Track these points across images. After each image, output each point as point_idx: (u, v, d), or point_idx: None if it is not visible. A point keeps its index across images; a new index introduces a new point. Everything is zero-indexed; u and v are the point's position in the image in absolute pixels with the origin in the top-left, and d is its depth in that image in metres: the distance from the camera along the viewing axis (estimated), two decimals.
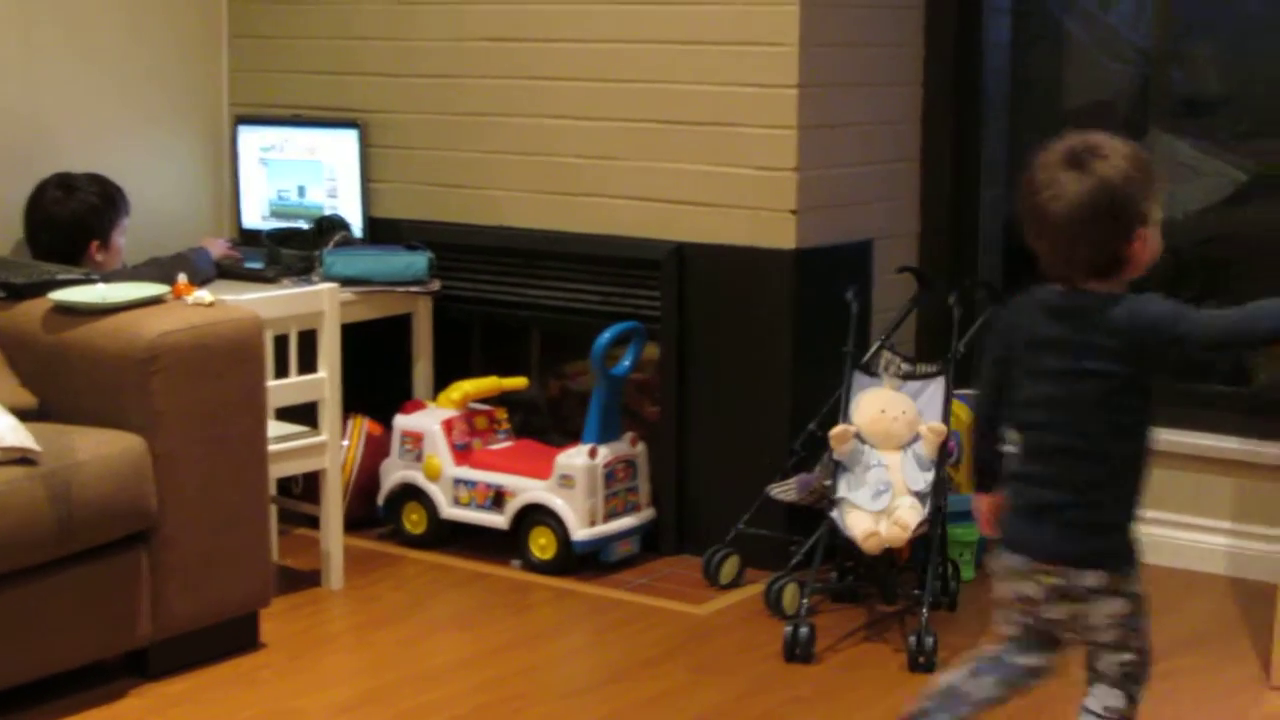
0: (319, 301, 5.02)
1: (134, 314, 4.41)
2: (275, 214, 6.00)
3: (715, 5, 5.22)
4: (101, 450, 4.20)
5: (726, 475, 5.26)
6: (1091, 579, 3.23)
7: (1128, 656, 3.30)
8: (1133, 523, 3.28)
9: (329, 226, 5.72)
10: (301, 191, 5.97)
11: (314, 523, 5.15)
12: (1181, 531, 5.31)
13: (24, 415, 4.25)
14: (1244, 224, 5.65)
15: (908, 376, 4.92)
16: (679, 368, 5.35)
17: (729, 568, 5.11)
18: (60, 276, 4.65)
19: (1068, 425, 3.25)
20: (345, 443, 5.43)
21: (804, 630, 4.58)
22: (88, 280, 4.64)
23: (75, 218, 5.26)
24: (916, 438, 4.76)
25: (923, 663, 4.50)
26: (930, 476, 4.73)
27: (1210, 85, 5.83)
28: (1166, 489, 5.26)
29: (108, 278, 4.76)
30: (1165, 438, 5.14)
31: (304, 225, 5.80)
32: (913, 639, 4.53)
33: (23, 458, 4.06)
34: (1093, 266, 3.24)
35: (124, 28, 5.83)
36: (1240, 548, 5.25)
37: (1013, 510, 3.34)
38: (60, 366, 4.45)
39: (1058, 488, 3.26)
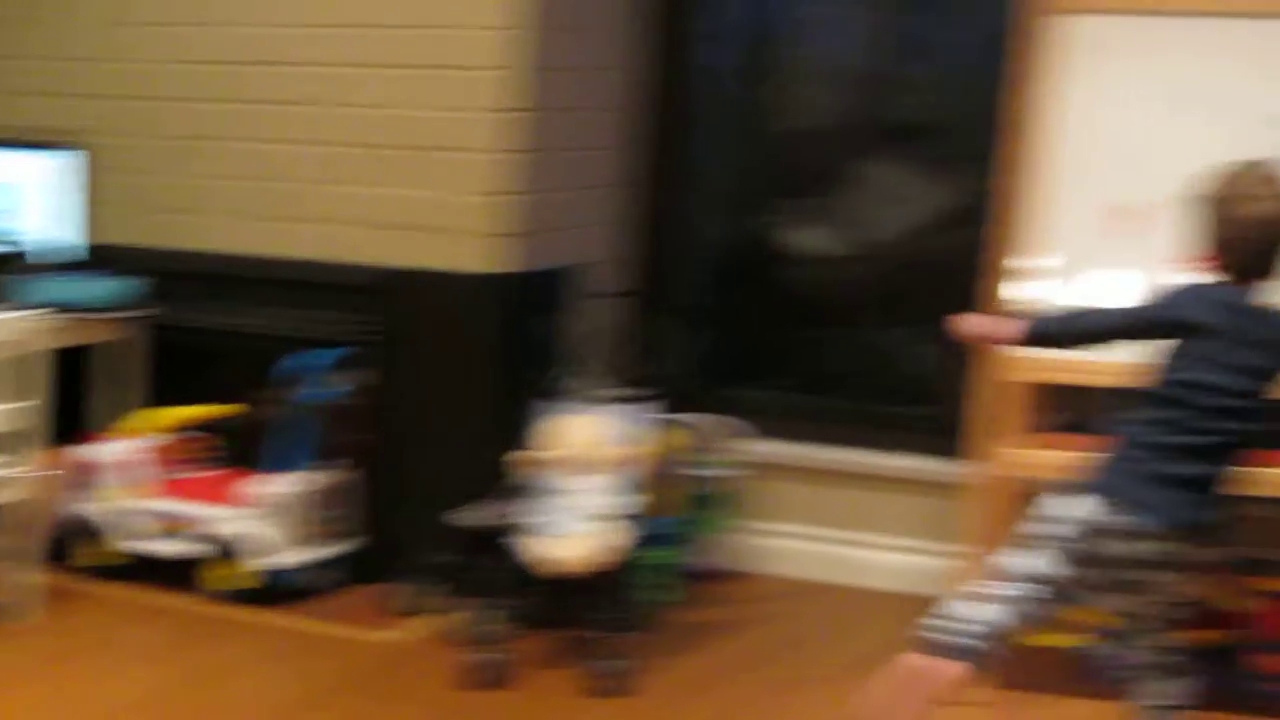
0: (23, 328, 4.97)
1: None
2: None
3: (423, 29, 5.25)
4: None
5: (426, 502, 5.25)
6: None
7: None
8: None
9: (34, 252, 5.65)
10: (10, 216, 5.88)
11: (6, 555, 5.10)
12: (875, 551, 5.42)
13: None
14: (951, 248, 5.74)
15: (610, 401, 4.97)
16: (391, 393, 5.37)
17: (415, 595, 5.12)
18: None
19: (1238, 412, 3.62)
20: (43, 473, 5.38)
21: (490, 657, 4.61)
22: None
23: None
24: (616, 462, 4.81)
25: (615, 686, 4.55)
26: (628, 500, 4.78)
27: (920, 112, 5.94)
28: (857, 509, 5.39)
29: None
30: (858, 459, 5.31)
31: (7, 250, 5.71)
32: (607, 663, 4.58)
33: None
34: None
35: None
36: (928, 565, 5.35)
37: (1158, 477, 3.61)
38: None
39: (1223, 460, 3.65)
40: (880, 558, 5.44)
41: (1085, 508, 3.62)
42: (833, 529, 5.50)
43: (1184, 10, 4.61)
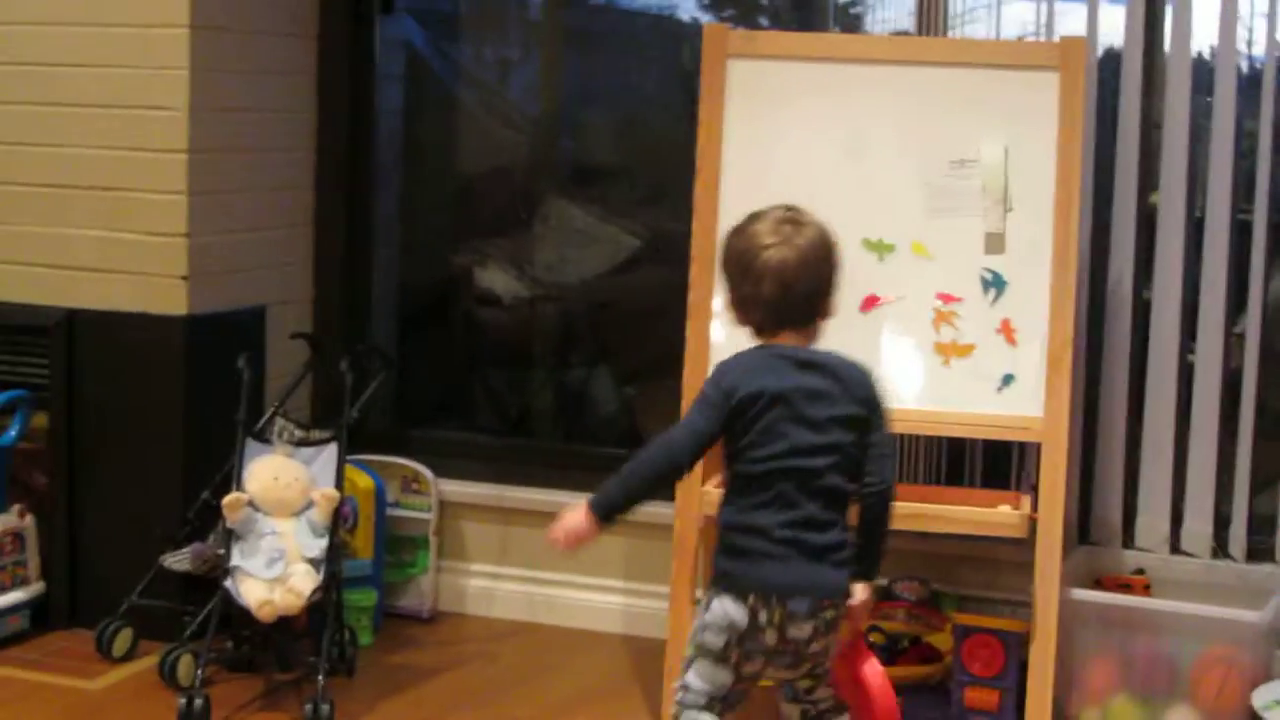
0: None
1: None
2: None
3: (106, 68, 5.13)
4: None
5: (120, 546, 5.15)
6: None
7: None
8: None
9: None
10: None
11: None
12: (576, 591, 5.46)
13: None
14: (636, 288, 5.84)
15: (301, 443, 4.91)
16: (69, 436, 5.22)
17: (122, 640, 4.99)
18: None
19: (837, 468, 3.52)
20: None
21: (199, 701, 4.50)
22: None
23: None
24: (310, 504, 4.75)
25: None
26: (324, 543, 4.72)
27: (602, 154, 6.03)
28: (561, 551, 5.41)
29: None
30: (559, 499, 5.34)
31: None
32: (309, 706, 4.51)
33: None
34: (821, 310, 3.58)
35: None
36: (632, 605, 5.40)
37: (777, 557, 3.50)
38: None
39: (833, 528, 3.53)
40: (583, 597, 5.46)
41: (723, 611, 3.53)
42: (532, 569, 5.50)
43: (860, 57, 4.74)
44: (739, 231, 3.62)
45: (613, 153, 6.01)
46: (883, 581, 4.82)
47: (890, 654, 4.78)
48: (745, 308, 3.59)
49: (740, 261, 3.57)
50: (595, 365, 5.93)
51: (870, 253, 4.60)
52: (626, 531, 5.25)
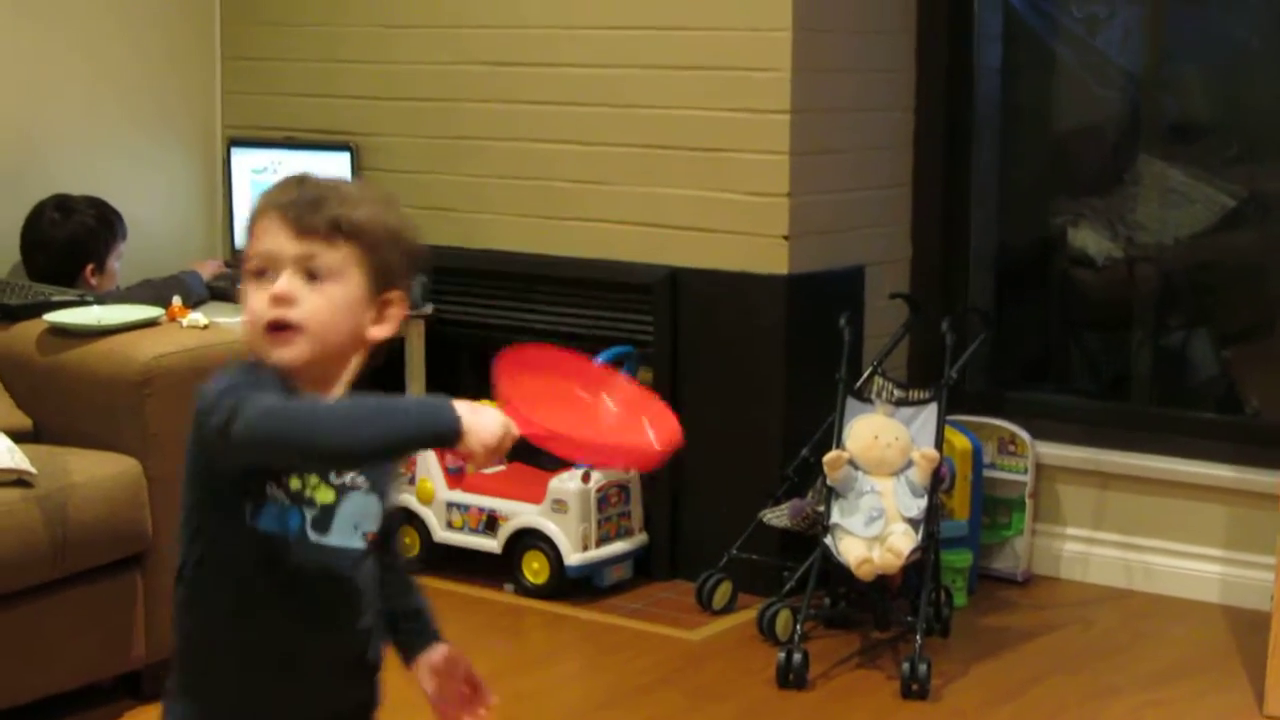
0: None
1: (128, 336, 4.41)
2: None
3: (709, 31, 5.22)
4: (96, 473, 4.19)
5: (719, 500, 5.26)
6: None
7: None
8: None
9: None
10: None
11: None
12: (1174, 559, 5.33)
13: (19, 437, 4.24)
14: (1233, 249, 5.67)
15: (900, 403, 4.93)
16: (672, 392, 5.35)
17: (722, 593, 5.11)
18: (55, 298, 4.64)
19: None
20: None
21: (797, 656, 4.57)
22: (83, 302, 4.63)
23: (72, 240, 5.24)
24: (909, 464, 4.76)
25: (915, 690, 4.51)
26: (923, 503, 4.73)
27: (1200, 110, 5.86)
28: (1159, 516, 5.31)
29: (102, 300, 4.75)
30: (1157, 465, 5.23)
31: None
32: (906, 666, 4.53)
33: (19, 480, 4.05)
34: None
35: (120, 49, 5.83)
36: (1232, 575, 5.26)
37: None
38: (55, 388, 4.44)
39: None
40: (1181, 565, 5.34)
41: None
42: (1129, 535, 5.40)
43: None
44: None
45: (1210, 109, 5.83)
46: None
47: None
48: None
49: None
50: (1192, 328, 5.77)
51: None
52: (1228, 500, 5.14)
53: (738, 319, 5.24)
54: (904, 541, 4.64)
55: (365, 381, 2.39)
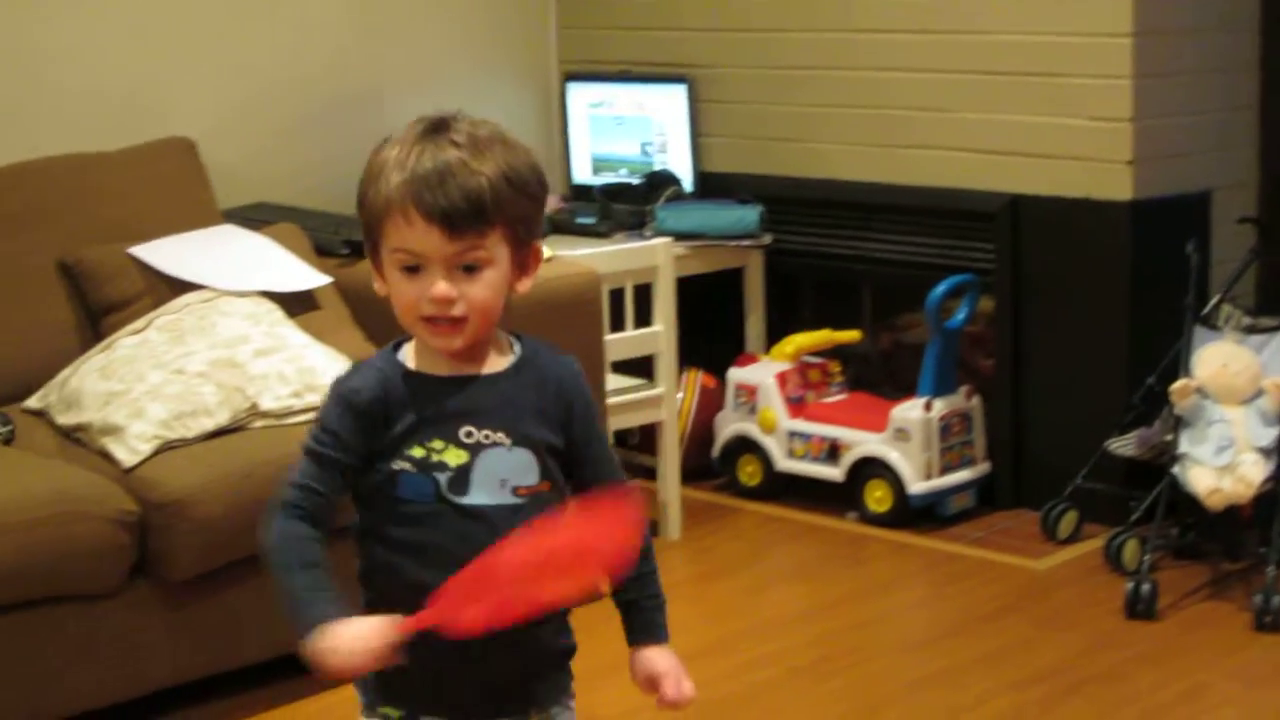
0: (654, 256, 5.09)
1: None
2: (604, 170, 6.07)
3: None
4: None
5: (1062, 429, 5.22)
6: None
7: None
8: None
9: (659, 181, 5.78)
10: (633, 147, 6.03)
11: (651, 474, 5.23)
12: None
13: None
14: None
15: (1249, 330, 4.83)
16: (1014, 320, 5.31)
17: (1067, 522, 5.07)
18: None
19: None
20: (680, 395, 5.48)
21: (1146, 587, 4.53)
22: None
23: None
24: (1259, 393, 4.67)
25: (1269, 622, 4.43)
26: (1274, 432, 4.63)
27: None
28: None
29: None
30: None
31: (634, 180, 5.86)
32: (1259, 598, 4.46)
33: None
34: None
35: None
36: None
37: None
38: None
39: None
40: None
41: None
42: None
43: None
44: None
45: None
46: None
47: None
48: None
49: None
50: None
51: None
52: None
53: (1081, 246, 5.18)
54: (1255, 471, 4.56)
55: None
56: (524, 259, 2.36)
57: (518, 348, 2.42)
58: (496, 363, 2.39)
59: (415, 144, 2.32)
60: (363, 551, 2.40)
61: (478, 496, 2.34)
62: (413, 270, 2.29)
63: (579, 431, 2.42)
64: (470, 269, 2.29)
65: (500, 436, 2.35)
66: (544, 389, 2.40)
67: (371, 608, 2.34)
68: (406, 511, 2.34)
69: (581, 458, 2.43)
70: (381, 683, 2.39)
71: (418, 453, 2.34)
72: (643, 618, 2.47)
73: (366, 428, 2.34)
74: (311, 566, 2.30)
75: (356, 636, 2.23)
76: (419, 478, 2.33)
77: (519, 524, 2.30)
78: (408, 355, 2.39)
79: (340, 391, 2.37)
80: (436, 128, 2.33)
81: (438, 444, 2.34)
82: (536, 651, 2.41)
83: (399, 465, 2.34)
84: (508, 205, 2.30)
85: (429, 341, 2.34)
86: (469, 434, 2.34)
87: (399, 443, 2.34)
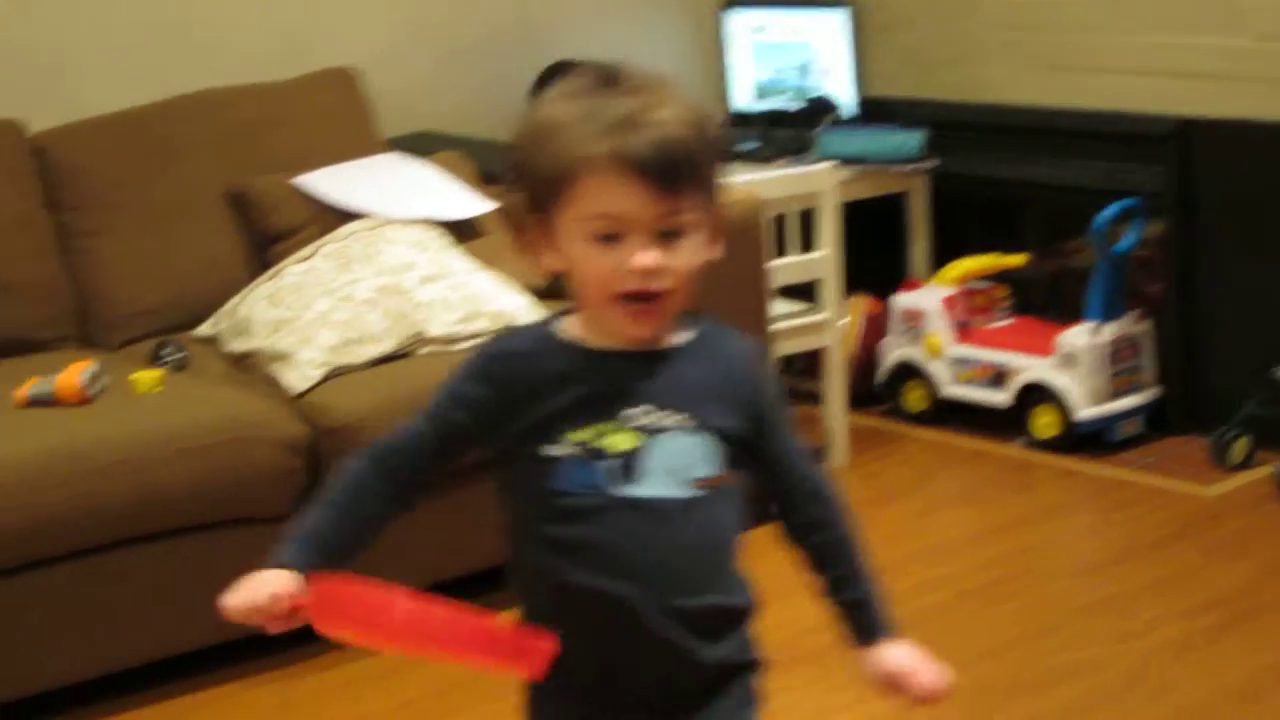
0: (817, 181, 5.05)
1: None
2: (765, 95, 6.04)
3: None
4: None
5: (1234, 354, 5.14)
6: None
7: None
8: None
9: (820, 107, 5.74)
10: (793, 72, 5.99)
11: (815, 399, 5.21)
12: None
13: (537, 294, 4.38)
14: None
15: None
16: (1182, 244, 5.23)
17: (1239, 448, 4.99)
18: None
19: None
20: (845, 321, 5.45)
21: None
22: None
23: None
24: None
25: None
26: None
27: None
28: None
29: None
30: None
31: (795, 106, 5.83)
32: None
33: None
34: None
35: None
36: None
37: None
38: None
39: None
40: None
41: None
42: None
43: None
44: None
45: None
46: None
47: None
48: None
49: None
50: None
51: None
52: None
53: (1253, 170, 5.08)
54: None
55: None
56: (717, 221, 2.11)
57: (693, 323, 2.16)
58: (673, 338, 2.14)
59: (593, 96, 2.04)
60: (512, 550, 2.17)
61: (650, 487, 2.08)
62: (608, 240, 2.04)
63: (768, 420, 2.18)
64: (670, 235, 2.03)
65: (681, 419, 2.09)
66: (730, 370, 2.16)
67: (525, 618, 2.13)
68: (564, 505, 2.07)
69: (767, 451, 2.19)
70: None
71: (581, 435, 2.07)
72: (862, 616, 2.27)
73: (508, 399, 2.10)
74: (333, 512, 2.15)
75: (259, 581, 2.10)
76: (581, 466, 2.07)
77: (695, 522, 2.09)
78: (571, 324, 2.14)
79: (485, 352, 2.16)
80: (609, 79, 2.06)
81: (604, 426, 2.07)
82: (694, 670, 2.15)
83: (557, 450, 2.08)
84: (706, 158, 2.06)
85: (626, 329, 2.08)
86: (646, 413, 2.08)
87: (556, 422, 2.08)
